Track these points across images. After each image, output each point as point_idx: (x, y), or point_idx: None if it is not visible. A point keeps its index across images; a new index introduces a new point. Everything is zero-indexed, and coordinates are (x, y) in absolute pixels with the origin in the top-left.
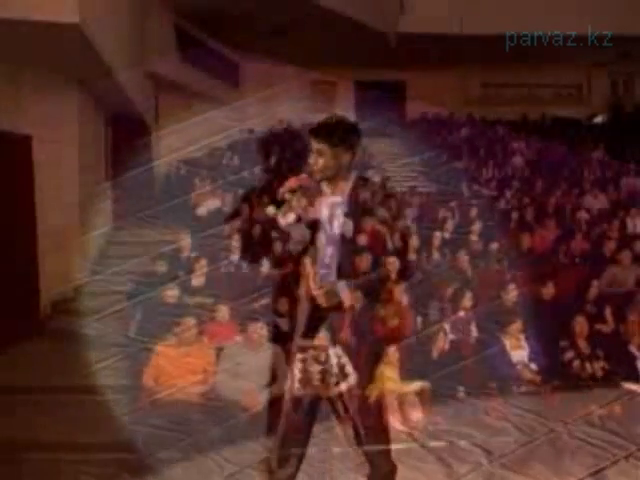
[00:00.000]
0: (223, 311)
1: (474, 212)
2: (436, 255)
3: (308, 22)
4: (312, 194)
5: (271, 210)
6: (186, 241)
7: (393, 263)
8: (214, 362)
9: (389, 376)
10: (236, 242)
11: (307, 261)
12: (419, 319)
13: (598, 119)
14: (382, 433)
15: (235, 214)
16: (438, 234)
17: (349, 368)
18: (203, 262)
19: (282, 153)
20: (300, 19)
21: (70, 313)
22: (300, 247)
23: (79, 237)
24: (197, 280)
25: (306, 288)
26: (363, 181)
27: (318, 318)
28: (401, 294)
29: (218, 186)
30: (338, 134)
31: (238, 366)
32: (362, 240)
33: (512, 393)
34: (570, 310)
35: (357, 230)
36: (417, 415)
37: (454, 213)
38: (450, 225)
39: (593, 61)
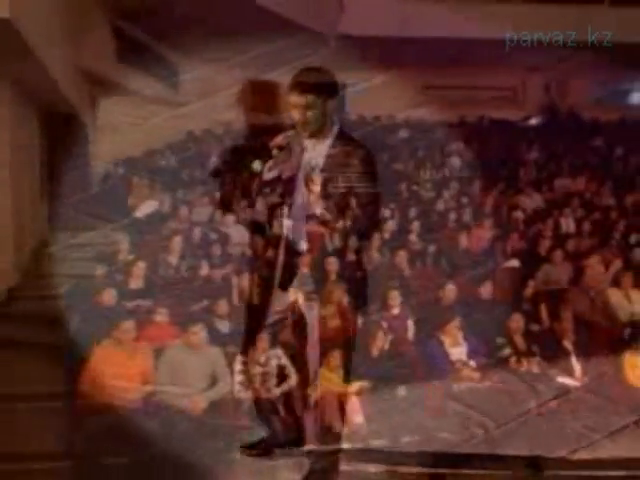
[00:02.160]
0: (162, 314)
1: (413, 212)
2: (376, 255)
3: (248, 23)
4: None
5: (257, 165)
6: (124, 243)
7: (333, 264)
8: (153, 365)
9: (330, 376)
10: (175, 244)
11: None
12: (359, 319)
13: (533, 121)
14: (327, 433)
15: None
16: (377, 234)
17: (290, 369)
18: (141, 264)
19: (222, 154)
20: (240, 20)
21: (3, 318)
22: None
23: (13, 239)
24: (135, 282)
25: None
26: (344, 137)
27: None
28: (341, 294)
29: (156, 187)
30: (323, 83)
31: (178, 369)
32: (303, 245)
33: (451, 390)
34: (507, 308)
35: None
36: (358, 415)
37: (393, 214)
38: (389, 225)
39: (528, 64)
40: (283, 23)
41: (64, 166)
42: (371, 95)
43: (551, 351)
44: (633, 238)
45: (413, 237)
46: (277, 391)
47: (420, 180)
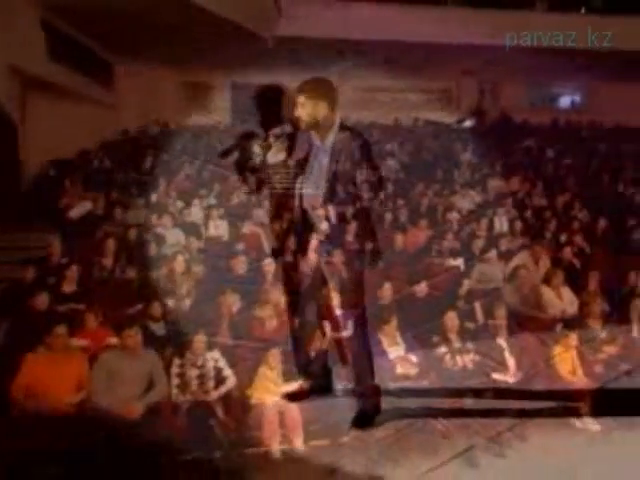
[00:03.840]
0: (96, 317)
1: (349, 213)
2: (312, 256)
3: (184, 22)
4: (297, 140)
5: (258, 150)
6: (56, 245)
7: (270, 265)
8: (88, 370)
9: (269, 377)
10: (110, 246)
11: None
12: (296, 319)
13: (467, 123)
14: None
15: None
16: (314, 234)
17: (227, 371)
18: (74, 267)
19: (157, 155)
20: (176, 19)
21: None
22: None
23: None
24: (68, 286)
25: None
26: (345, 128)
27: None
28: (278, 295)
29: (90, 188)
30: (316, 89)
31: (113, 374)
32: (239, 246)
33: (389, 388)
34: (442, 306)
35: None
36: (297, 415)
37: (329, 214)
38: (325, 226)
39: (462, 67)
40: (220, 23)
41: None
42: None
43: (486, 348)
44: (563, 237)
45: (349, 237)
46: (215, 394)
47: (357, 181)
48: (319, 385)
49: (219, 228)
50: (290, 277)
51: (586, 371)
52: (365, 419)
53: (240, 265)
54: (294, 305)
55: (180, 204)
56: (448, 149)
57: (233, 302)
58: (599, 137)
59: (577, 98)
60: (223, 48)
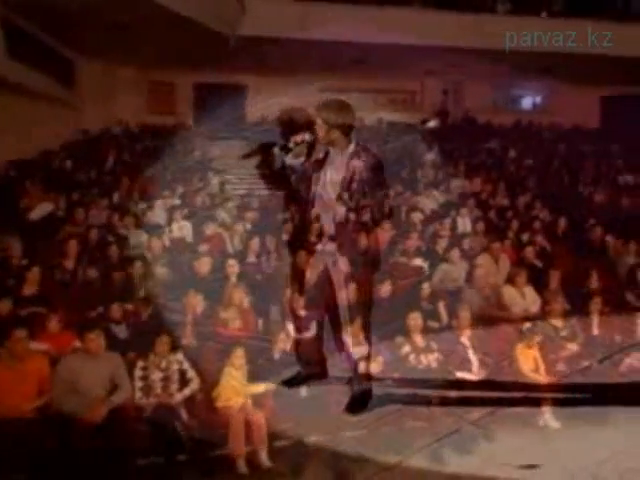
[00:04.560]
0: (58, 321)
1: (313, 214)
2: (276, 256)
3: (146, 21)
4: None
5: (277, 152)
6: (16, 247)
7: (233, 266)
8: (49, 374)
9: (235, 377)
10: (71, 248)
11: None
12: (260, 321)
13: (431, 124)
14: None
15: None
16: (278, 235)
17: (191, 373)
18: (35, 269)
19: (119, 155)
20: (138, 17)
21: None
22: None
23: None
24: (29, 289)
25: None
26: (360, 149)
27: None
28: (242, 296)
29: (51, 189)
30: (331, 117)
31: (75, 377)
32: (203, 247)
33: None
34: (405, 306)
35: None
36: (262, 416)
37: (293, 215)
38: (289, 227)
39: (426, 69)
40: (183, 22)
41: None
42: (271, 96)
43: (449, 347)
44: (525, 237)
45: (313, 238)
46: (179, 396)
47: (320, 182)
48: (314, 372)
49: (183, 229)
50: (298, 275)
51: (548, 368)
52: (358, 404)
53: (204, 266)
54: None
55: (143, 205)
56: (412, 149)
57: (197, 303)
58: (559, 138)
59: (538, 100)
60: (186, 47)
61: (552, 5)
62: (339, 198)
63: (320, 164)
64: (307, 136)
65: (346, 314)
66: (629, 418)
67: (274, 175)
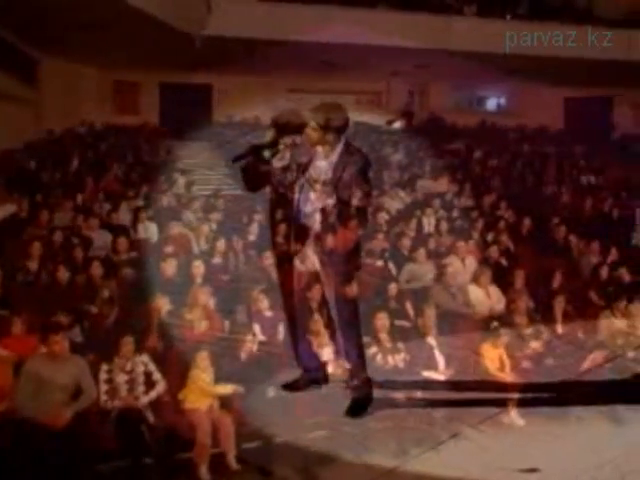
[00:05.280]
0: (21, 323)
1: (279, 214)
2: (242, 257)
3: (111, 20)
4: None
5: (267, 154)
6: None
7: (199, 267)
8: (12, 378)
9: (202, 379)
10: (35, 249)
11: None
12: (226, 322)
13: (396, 124)
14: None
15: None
16: (243, 236)
17: (157, 375)
18: None
19: (84, 155)
20: (103, 16)
21: None
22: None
23: None
24: None
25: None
26: (349, 148)
27: None
28: (207, 297)
29: (14, 190)
30: (325, 120)
31: (39, 381)
32: (169, 248)
33: (321, 390)
34: (372, 306)
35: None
36: (230, 418)
37: (259, 215)
38: (255, 228)
39: (392, 70)
40: (148, 21)
41: None
42: (238, 96)
43: (416, 347)
44: (490, 237)
45: (279, 239)
46: (145, 399)
47: (287, 182)
48: (315, 376)
49: (148, 230)
50: (286, 276)
51: (513, 367)
52: (358, 408)
53: (169, 267)
54: (288, 304)
55: (107, 206)
56: (378, 150)
57: (162, 305)
58: (524, 139)
59: (502, 101)
60: (151, 47)
61: (517, 8)
62: (325, 193)
63: (304, 167)
64: (298, 138)
65: (333, 313)
66: (591, 417)
67: (260, 177)
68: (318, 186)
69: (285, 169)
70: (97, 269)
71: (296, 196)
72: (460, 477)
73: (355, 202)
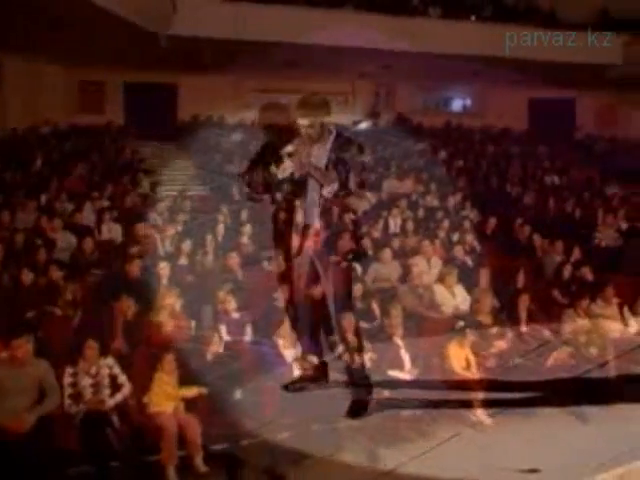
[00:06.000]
0: None
1: (244, 215)
2: (209, 258)
3: (75, 18)
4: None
5: (274, 169)
6: None
7: (164, 268)
8: None
9: (167, 382)
10: None
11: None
12: (193, 323)
13: (362, 125)
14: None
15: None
16: (210, 237)
17: (122, 378)
18: None
19: (47, 155)
20: (67, 15)
21: None
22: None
23: None
24: None
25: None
26: (341, 137)
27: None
28: (174, 299)
29: None
30: (311, 110)
31: (2, 385)
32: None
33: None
34: (338, 307)
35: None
36: (196, 420)
37: (225, 216)
38: (221, 228)
39: (359, 71)
40: (112, 20)
41: None
42: (203, 96)
43: (382, 347)
44: (455, 236)
45: (245, 239)
46: (110, 402)
47: (253, 182)
48: (315, 376)
49: (112, 231)
50: (287, 279)
51: (478, 365)
52: (358, 408)
53: (134, 269)
54: (292, 304)
55: (71, 206)
56: (345, 151)
57: (128, 307)
58: (488, 139)
59: (468, 102)
60: (116, 46)
61: (481, 10)
62: (325, 181)
63: (303, 180)
64: (297, 142)
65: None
66: (555, 413)
67: (265, 187)
68: (318, 174)
69: (287, 180)
70: (56, 272)
71: (297, 206)
72: (460, 477)
73: (352, 186)
